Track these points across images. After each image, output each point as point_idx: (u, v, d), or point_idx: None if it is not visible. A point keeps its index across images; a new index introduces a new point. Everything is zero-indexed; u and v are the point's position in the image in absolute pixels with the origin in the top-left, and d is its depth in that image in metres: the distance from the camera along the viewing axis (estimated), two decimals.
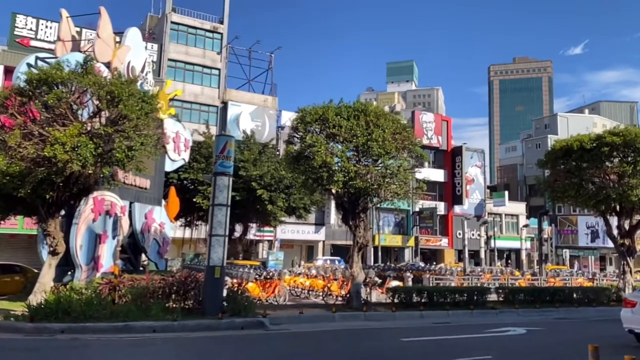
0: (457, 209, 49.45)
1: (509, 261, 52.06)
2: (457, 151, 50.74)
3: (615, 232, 21.38)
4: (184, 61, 40.16)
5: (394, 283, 18.46)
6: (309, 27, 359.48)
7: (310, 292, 18.08)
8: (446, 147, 50.76)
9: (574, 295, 19.41)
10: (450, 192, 50.08)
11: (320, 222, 42.57)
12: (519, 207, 55.60)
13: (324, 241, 43.36)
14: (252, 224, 30.96)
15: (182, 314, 12.08)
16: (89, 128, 11.55)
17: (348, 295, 15.66)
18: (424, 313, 15.16)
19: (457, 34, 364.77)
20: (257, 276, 15.42)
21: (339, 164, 13.99)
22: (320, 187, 14.70)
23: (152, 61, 37.89)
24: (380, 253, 43.28)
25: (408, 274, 19.87)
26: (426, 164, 49.64)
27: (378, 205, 32.62)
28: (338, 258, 38.05)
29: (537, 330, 13.11)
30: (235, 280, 14.41)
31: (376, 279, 18.01)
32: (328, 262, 33.89)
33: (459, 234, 49.30)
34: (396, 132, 14.40)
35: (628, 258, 20.79)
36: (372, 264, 37.56)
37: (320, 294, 17.04)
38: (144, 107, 11.37)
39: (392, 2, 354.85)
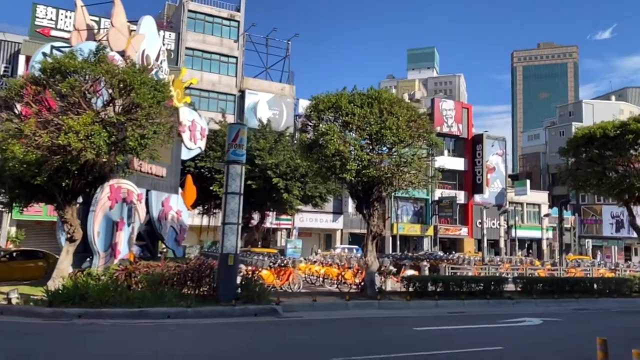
0: (477, 197, 48.81)
1: (530, 251, 51.29)
2: (478, 139, 49.94)
3: (639, 221, 20.83)
4: (202, 49, 40.27)
5: (410, 272, 18.33)
6: (328, 15, 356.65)
7: (325, 280, 18.10)
8: (467, 135, 49.98)
9: (595, 286, 19.03)
10: (471, 180, 49.40)
11: (338, 211, 42.53)
12: (541, 196, 54.60)
13: (341, 230, 43.35)
14: (269, 212, 31.21)
15: (196, 300, 12.22)
16: (102, 117, 11.65)
17: (362, 284, 15.61)
18: (439, 302, 15.03)
19: (479, 20, 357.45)
20: (271, 264, 15.48)
21: (353, 153, 13.85)
22: (333, 175, 14.61)
23: (170, 50, 38.11)
24: (398, 242, 43.12)
25: (425, 263, 19.70)
26: (446, 152, 49.35)
27: (396, 194, 32.51)
28: (356, 247, 37.99)
29: (553, 321, 12.88)
30: (249, 268, 14.48)
31: (391, 267, 17.91)
32: (346, 250, 33.90)
33: (479, 223, 48.74)
34: (411, 119, 14.18)
35: None
36: (390, 252, 37.48)
37: (335, 282, 17.04)
38: (157, 95, 11.41)
39: None
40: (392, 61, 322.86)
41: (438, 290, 15.81)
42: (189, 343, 8.89)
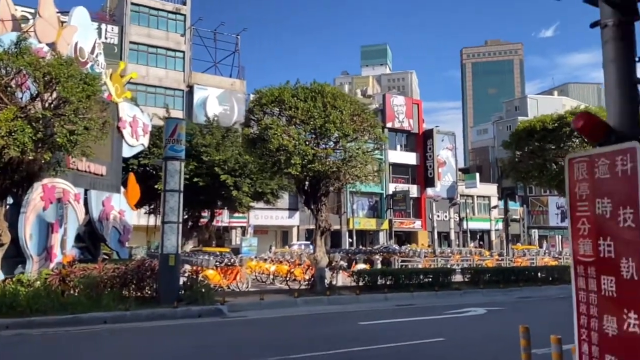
0: (429, 191, 49.71)
1: (481, 242, 52.76)
2: (429, 134, 50.85)
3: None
4: (147, 44, 38.99)
5: (361, 266, 18.34)
6: (281, 10, 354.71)
7: (275, 278, 17.83)
8: (417, 130, 50.78)
9: (538, 275, 19.64)
10: (423, 174, 50.25)
11: (294, 207, 42.24)
12: (491, 189, 56.25)
13: (298, 226, 43.14)
14: (221, 211, 30.57)
15: (136, 303, 11.70)
16: (28, 112, 10.89)
17: (312, 280, 15.45)
18: (389, 295, 15.07)
19: (430, 18, 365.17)
20: (217, 263, 15.06)
21: (297, 147, 13.62)
22: (278, 170, 14.34)
23: (113, 44, 36.68)
24: (354, 237, 43.36)
25: (377, 256, 19.77)
26: (398, 147, 50.03)
27: (350, 189, 32.59)
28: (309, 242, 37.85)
29: (497, 310, 13.14)
30: (194, 268, 14.02)
31: (342, 262, 17.85)
32: (302, 246, 33.67)
33: (431, 216, 49.75)
34: (355, 114, 14.09)
35: None
36: (347, 247, 37.56)
37: (285, 279, 16.79)
38: (86, 89, 10.76)
39: None
40: (347, 58, 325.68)
41: (388, 283, 15.86)
42: (124, 348, 8.43)
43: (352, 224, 43.73)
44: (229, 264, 15.28)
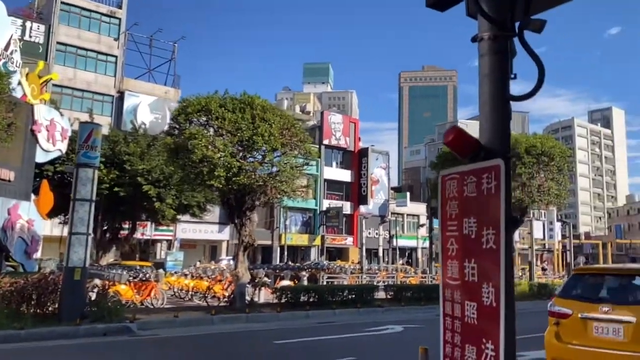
0: (362, 208, 50.39)
1: (410, 260, 54.01)
2: (364, 152, 51.76)
3: None
4: (76, 45, 37.13)
5: (285, 283, 18.06)
6: (221, 21, 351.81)
7: (194, 295, 17.15)
8: (353, 148, 51.57)
9: None
10: (357, 192, 50.93)
11: (224, 222, 41.24)
12: (420, 208, 57.86)
13: (228, 241, 42.16)
14: (145, 223, 29.28)
15: (34, 321, 10.75)
16: None
17: (232, 297, 14.99)
18: (310, 313, 14.88)
19: (371, 40, 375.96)
20: (130, 278, 14.25)
21: (222, 159, 13.26)
22: (201, 182, 13.89)
23: (38, 43, 34.63)
24: (286, 252, 42.98)
25: (304, 273, 19.57)
26: (334, 164, 50.53)
27: (283, 204, 32.26)
28: None
29: (414, 327, 13.29)
30: (100, 282, 13.17)
31: (265, 279, 17.49)
32: (231, 262, 32.84)
33: (365, 233, 50.39)
34: (284, 127, 13.95)
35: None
36: (278, 263, 37.07)
37: (204, 296, 16.19)
38: None
39: (308, 3, 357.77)
40: (289, 74, 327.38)
41: (311, 300, 15.68)
42: None
43: (284, 240, 43.39)
44: (144, 279, 14.51)
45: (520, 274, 33.36)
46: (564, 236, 70.38)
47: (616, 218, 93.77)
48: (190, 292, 17.24)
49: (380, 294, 18.71)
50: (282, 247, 43.39)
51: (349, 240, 49.64)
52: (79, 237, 11.50)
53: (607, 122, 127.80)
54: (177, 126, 14.22)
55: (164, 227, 32.16)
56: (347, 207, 49.23)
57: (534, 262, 27.86)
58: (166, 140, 13.97)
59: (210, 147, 13.21)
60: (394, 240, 49.10)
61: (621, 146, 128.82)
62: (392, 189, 60.29)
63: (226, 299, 15.30)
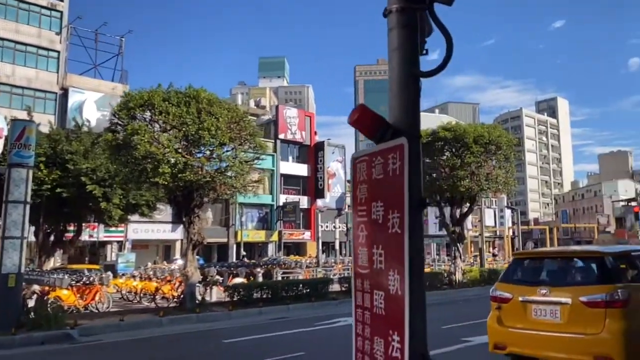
0: (319, 202, 50.45)
1: None
2: (320, 146, 51.76)
3: (448, 220, 23.09)
4: (14, 40, 35.17)
5: (238, 280, 17.76)
6: (172, 15, 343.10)
7: (143, 297, 16.59)
8: (309, 142, 51.47)
9: None
10: (313, 186, 50.93)
11: (177, 220, 40.27)
12: None
13: (182, 240, 41.16)
14: (94, 224, 28.12)
15: None
16: None
17: (182, 297, 14.58)
18: (264, 309, 14.67)
19: (327, 34, 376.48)
20: (72, 282, 13.59)
21: (167, 155, 12.82)
22: (145, 180, 13.38)
23: None
24: (242, 249, 42.49)
25: (259, 269, 19.29)
26: (290, 158, 50.28)
27: (237, 200, 31.76)
28: (197, 257, 36.30)
29: None
30: (40, 288, 12.49)
31: (217, 277, 17.13)
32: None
33: (321, 226, 50.48)
34: (232, 121, 13.61)
35: (458, 244, 22.54)
36: (234, 260, 36.59)
37: (153, 297, 15.68)
38: None
39: None
40: (244, 69, 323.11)
41: (264, 297, 15.48)
42: None
43: (241, 236, 42.91)
44: (87, 282, 13.87)
45: (472, 261, 34.32)
46: (514, 223, 73.19)
47: (562, 204, 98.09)
48: (138, 294, 16.66)
49: (335, 287, 18.72)
50: (238, 244, 42.89)
51: (307, 234, 49.61)
52: (12, 242, 10.84)
53: (552, 112, 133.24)
54: (119, 122, 13.64)
55: (114, 229, 31.07)
56: (304, 201, 49.16)
57: (484, 249, 28.64)
58: (107, 137, 13.34)
59: (154, 142, 12.74)
60: (351, 232, 49.43)
61: (566, 135, 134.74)
62: (349, 181, 60.72)
63: (176, 300, 14.87)
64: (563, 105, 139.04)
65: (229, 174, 13.45)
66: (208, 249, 43.57)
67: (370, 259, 2.26)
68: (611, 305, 5.54)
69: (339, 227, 42.44)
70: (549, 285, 6.07)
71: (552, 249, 10.78)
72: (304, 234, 49.20)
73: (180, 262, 31.19)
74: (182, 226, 40.05)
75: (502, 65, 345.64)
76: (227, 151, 13.59)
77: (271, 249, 46.65)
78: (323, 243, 51.35)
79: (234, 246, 43.31)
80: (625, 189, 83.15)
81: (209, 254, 42.53)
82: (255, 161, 14.85)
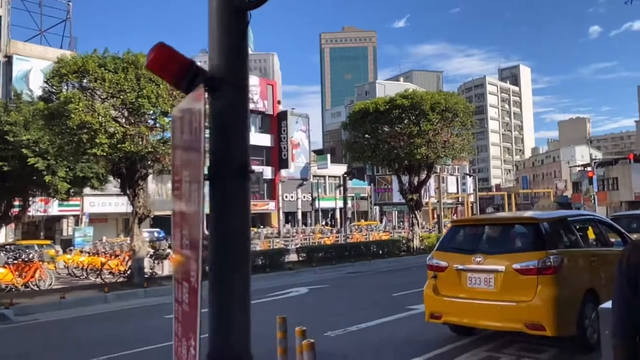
0: (283, 172, 50.00)
1: (332, 221, 54.82)
2: (283, 116, 50.92)
3: (407, 188, 23.11)
4: None
5: None
6: None
7: (90, 272, 16.00)
8: (272, 111, 50.58)
9: (371, 249, 20.54)
10: (277, 156, 50.33)
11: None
12: (342, 169, 58.49)
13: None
14: (49, 199, 26.96)
15: None
16: None
17: (130, 272, 14.10)
18: None
19: (291, 0, 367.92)
20: (10, 259, 12.90)
21: (104, 125, 12.09)
22: (82, 151, 12.64)
23: None
24: (205, 221, 41.86)
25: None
26: (253, 128, 49.35)
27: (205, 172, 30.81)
28: (158, 230, 35.60)
29: (320, 288, 13.24)
30: None
31: (169, 250, 16.65)
32: (146, 234, 31.39)
33: (285, 197, 50.25)
34: (174, 89, 12.89)
35: (416, 212, 22.65)
36: None
37: (100, 272, 15.11)
38: None
39: None
40: (206, 35, 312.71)
41: None
42: None
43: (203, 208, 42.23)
44: (27, 259, 13.20)
45: (432, 228, 34.80)
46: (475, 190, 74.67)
47: (523, 170, 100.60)
48: (85, 270, 16.05)
49: (293, 257, 18.57)
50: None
51: (271, 205, 49.25)
52: None
53: (515, 80, 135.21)
54: (52, 90, 12.75)
55: (69, 202, 29.93)
56: (267, 172, 48.61)
57: (443, 215, 28.98)
58: (39, 106, 12.47)
59: (89, 111, 11.97)
60: (317, 202, 49.38)
61: (528, 102, 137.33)
62: (314, 151, 60.35)
63: (124, 275, 14.38)
64: (525, 73, 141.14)
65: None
66: (170, 222, 42.81)
67: (179, 243, 1.86)
68: (543, 272, 5.44)
69: (302, 197, 42.24)
70: (483, 253, 5.92)
71: (490, 215, 10.77)
72: (268, 204, 48.82)
73: (146, 235, 30.46)
74: None
75: (467, 34, 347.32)
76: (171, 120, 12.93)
77: None
78: (287, 213, 51.31)
79: None
80: (582, 154, 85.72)
81: (170, 228, 41.83)
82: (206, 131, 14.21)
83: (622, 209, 52.33)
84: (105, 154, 12.17)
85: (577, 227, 6.35)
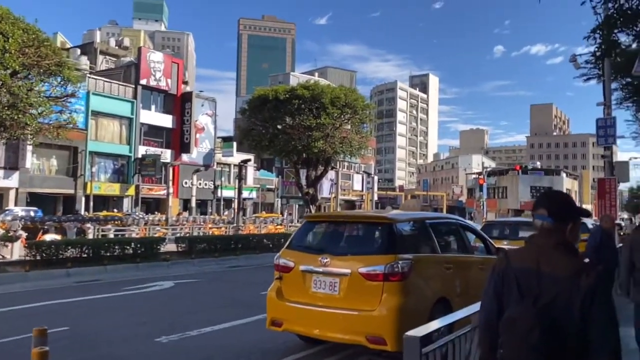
0: (185, 157, 47.60)
1: (234, 211, 53.32)
2: (188, 97, 48.41)
3: (304, 182, 22.61)
4: None
5: (52, 237, 15.40)
6: None
7: None
8: (176, 91, 47.87)
9: (262, 242, 19.73)
10: (179, 139, 47.78)
11: (13, 166, 35.21)
12: (250, 159, 57.09)
13: (17, 188, 36.16)
14: None
15: None
16: None
17: None
18: (72, 271, 12.75)
19: None
20: None
21: None
22: None
23: None
24: (92, 202, 38.61)
25: (71, 225, 16.92)
26: (153, 107, 46.36)
27: (94, 149, 28.08)
28: (35, 208, 32.05)
29: (188, 282, 12.20)
30: None
31: (21, 232, 14.62)
32: (22, 213, 27.96)
33: (185, 182, 48.01)
34: (28, 45, 11.08)
35: (311, 205, 22.20)
36: (81, 214, 32.95)
37: None
38: None
39: None
40: (118, 8, 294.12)
41: (82, 256, 13.53)
42: None
43: (91, 189, 38.92)
44: None
45: None
46: (381, 188, 76.98)
47: (425, 173, 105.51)
48: None
49: (171, 247, 17.24)
50: (87, 197, 38.94)
51: (170, 190, 46.69)
52: None
53: (424, 88, 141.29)
54: None
55: None
56: (167, 155, 45.98)
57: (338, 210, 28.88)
58: None
59: None
60: (219, 190, 47.59)
61: (434, 110, 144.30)
62: (222, 138, 58.19)
63: None
64: (434, 82, 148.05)
65: (21, 108, 11.00)
66: (52, 200, 38.94)
67: None
68: (389, 279, 4.87)
69: (204, 184, 40.43)
70: (331, 254, 5.26)
71: (345, 212, 10.38)
72: (164, 189, 46.20)
73: (21, 213, 27.02)
74: (17, 173, 35.29)
75: (385, 39, 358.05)
76: (20, 80, 11.08)
77: (127, 204, 43.17)
78: (186, 200, 48.95)
79: (83, 199, 39.23)
80: (478, 163, 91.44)
81: (52, 206, 38.08)
82: (67, 99, 12.47)
83: (508, 216, 56.38)
84: None
85: (437, 230, 5.91)
